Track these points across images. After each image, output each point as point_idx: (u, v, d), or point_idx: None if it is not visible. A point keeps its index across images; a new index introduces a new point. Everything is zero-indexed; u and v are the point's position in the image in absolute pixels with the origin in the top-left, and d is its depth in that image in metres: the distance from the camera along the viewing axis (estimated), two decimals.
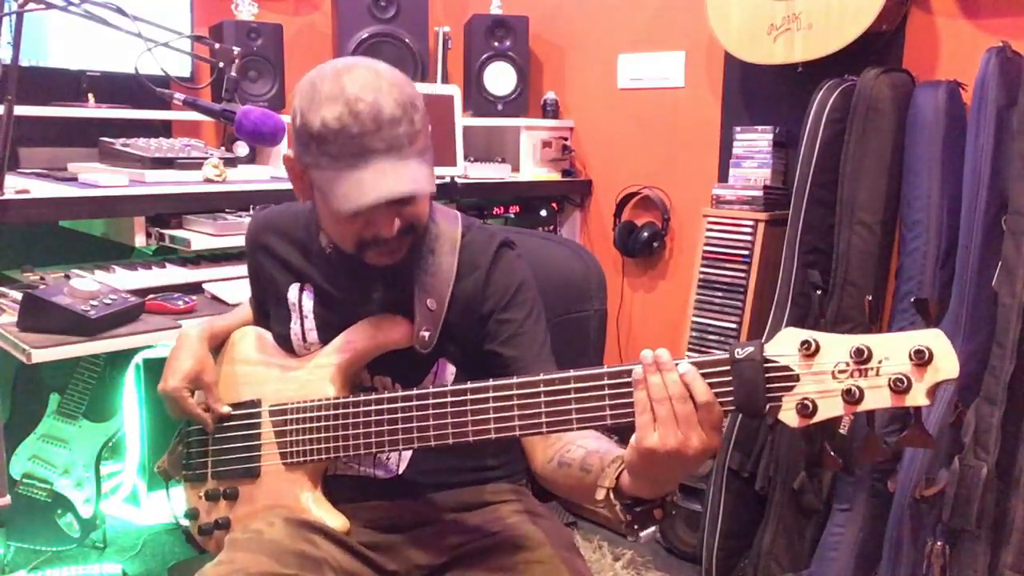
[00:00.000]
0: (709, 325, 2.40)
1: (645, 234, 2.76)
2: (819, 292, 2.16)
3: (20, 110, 1.65)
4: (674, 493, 0.95)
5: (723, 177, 2.55)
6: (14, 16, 1.60)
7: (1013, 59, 1.90)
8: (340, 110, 1.01)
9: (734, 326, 2.34)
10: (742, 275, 2.33)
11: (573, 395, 0.95)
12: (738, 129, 2.46)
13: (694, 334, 2.43)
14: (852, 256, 2.08)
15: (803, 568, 2.15)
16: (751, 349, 0.85)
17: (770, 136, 2.38)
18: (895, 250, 2.14)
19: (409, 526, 1.22)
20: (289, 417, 1.17)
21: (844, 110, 2.09)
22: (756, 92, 2.50)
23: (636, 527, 0.96)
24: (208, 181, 2.03)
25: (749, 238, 2.32)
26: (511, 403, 0.98)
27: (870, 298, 0.93)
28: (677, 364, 0.88)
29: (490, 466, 1.29)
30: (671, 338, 2.72)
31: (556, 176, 2.94)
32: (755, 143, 2.42)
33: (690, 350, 2.43)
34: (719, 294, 2.38)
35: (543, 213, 2.90)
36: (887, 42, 2.19)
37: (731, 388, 0.86)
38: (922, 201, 2.00)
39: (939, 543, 1.86)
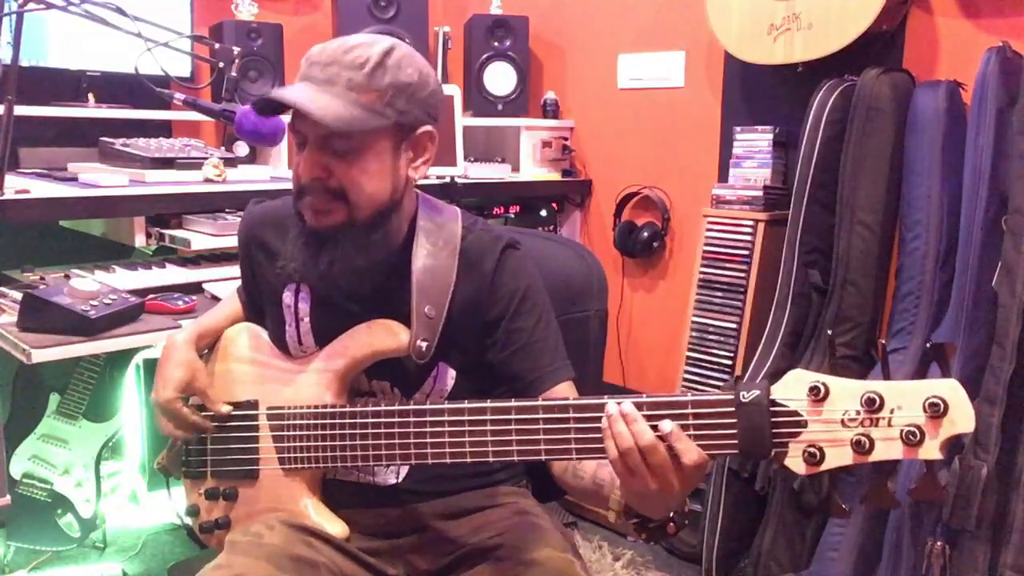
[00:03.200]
0: (709, 325, 2.39)
1: (645, 234, 2.76)
2: (819, 292, 2.16)
3: (20, 110, 1.66)
4: (683, 506, 0.95)
5: (723, 177, 2.55)
6: (14, 16, 1.60)
7: (1013, 59, 1.89)
8: (322, 45, 1.08)
9: (734, 326, 2.34)
10: (742, 275, 2.33)
11: (572, 424, 0.93)
12: (738, 129, 2.45)
13: (694, 334, 2.43)
14: (852, 256, 2.08)
15: (803, 568, 2.15)
16: (757, 393, 0.83)
17: (770, 136, 2.38)
18: (895, 250, 2.14)
19: (408, 532, 1.21)
20: (287, 423, 1.15)
21: (844, 110, 2.09)
22: (756, 92, 2.50)
23: (652, 543, 0.97)
24: (208, 181, 2.03)
25: (749, 238, 2.32)
26: (509, 427, 0.97)
27: (883, 341, 0.91)
28: (658, 424, 0.86)
29: (493, 470, 1.29)
30: (671, 338, 2.72)
31: (556, 176, 2.94)
32: (755, 143, 2.42)
33: (690, 350, 2.43)
34: (719, 294, 2.38)
35: (543, 213, 2.90)
36: (887, 42, 2.19)
37: (735, 431, 0.84)
38: (922, 201, 2.00)
39: (939, 543, 1.86)
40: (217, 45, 1.72)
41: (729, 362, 2.35)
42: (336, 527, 1.14)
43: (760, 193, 2.32)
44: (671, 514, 0.94)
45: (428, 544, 1.20)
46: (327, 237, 1.11)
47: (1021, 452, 1.82)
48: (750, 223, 2.32)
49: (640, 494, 0.89)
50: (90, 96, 2.29)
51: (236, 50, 1.71)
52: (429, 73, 1.13)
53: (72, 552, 2.22)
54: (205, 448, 1.23)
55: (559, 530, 1.22)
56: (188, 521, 1.28)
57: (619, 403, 0.89)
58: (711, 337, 2.39)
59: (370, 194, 1.10)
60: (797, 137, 2.20)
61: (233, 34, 2.42)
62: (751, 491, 2.19)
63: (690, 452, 0.85)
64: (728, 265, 2.36)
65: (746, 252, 2.32)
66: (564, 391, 1.14)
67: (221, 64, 1.69)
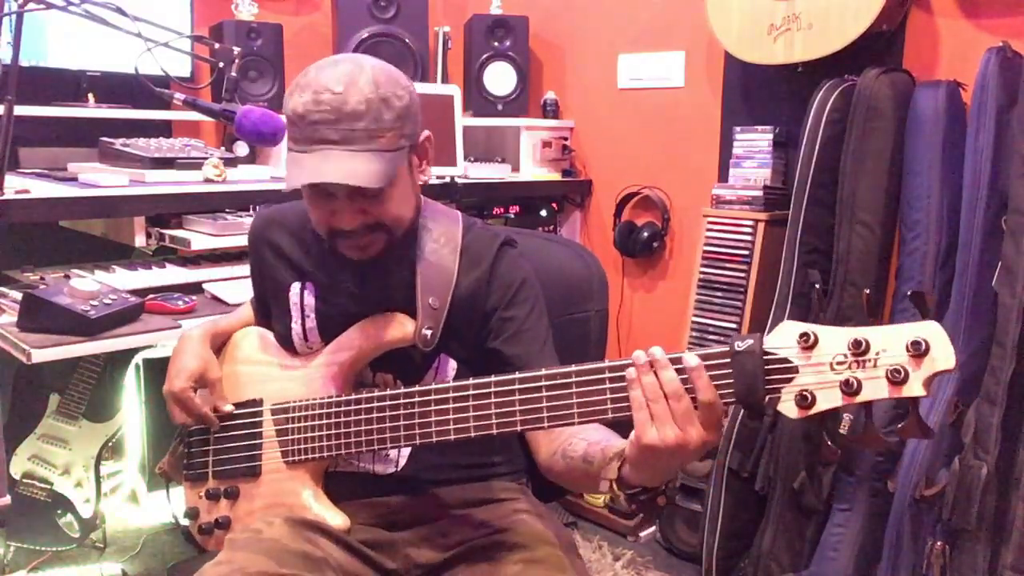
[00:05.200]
0: (709, 325, 2.39)
1: (645, 234, 2.76)
2: (819, 292, 2.16)
3: (20, 110, 1.65)
4: (676, 479, 0.97)
5: (723, 177, 2.55)
6: (14, 16, 1.59)
7: (1013, 59, 1.90)
8: (307, 98, 1.06)
9: (734, 326, 2.34)
10: (742, 275, 2.33)
11: (574, 389, 0.96)
12: (738, 129, 2.45)
13: (694, 334, 2.43)
14: (852, 256, 2.08)
15: (803, 568, 2.15)
16: (750, 342, 0.86)
17: (770, 136, 2.38)
18: (895, 250, 2.14)
19: (408, 523, 1.22)
20: (291, 415, 1.18)
21: (844, 110, 2.09)
22: (756, 92, 2.50)
23: (641, 515, 0.98)
24: (208, 181, 2.03)
25: (749, 238, 2.32)
26: (512, 398, 0.99)
27: (868, 292, 0.94)
28: (681, 356, 0.89)
29: (492, 463, 1.30)
30: (671, 338, 2.72)
31: (556, 176, 2.94)
32: (755, 143, 2.42)
33: (690, 350, 2.43)
34: (719, 294, 2.38)
35: (543, 213, 2.90)
36: (887, 42, 2.19)
37: (731, 381, 0.87)
38: (922, 201, 2.00)
39: (939, 543, 1.86)
40: (217, 45, 1.72)
41: None
42: (337, 519, 1.15)
43: (760, 193, 2.32)
44: (664, 485, 0.96)
45: (428, 538, 1.21)
46: (373, 263, 1.17)
47: (1021, 452, 1.82)
48: (750, 223, 2.32)
49: (653, 449, 0.88)
50: (90, 96, 2.29)
51: (236, 50, 1.71)
52: (408, 82, 1.14)
53: (72, 552, 2.22)
54: (208, 449, 1.24)
55: (558, 529, 1.22)
56: (185, 523, 1.28)
57: (648, 352, 0.91)
58: (711, 337, 2.39)
59: (404, 216, 1.17)
60: (797, 137, 2.20)
61: (233, 34, 2.41)
62: (751, 491, 2.19)
63: (706, 390, 0.87)
64: (728, 265, 2.36)
65: (746, 252, 2.32)
66: None
67: (221, 64, 1.69)
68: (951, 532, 1.85)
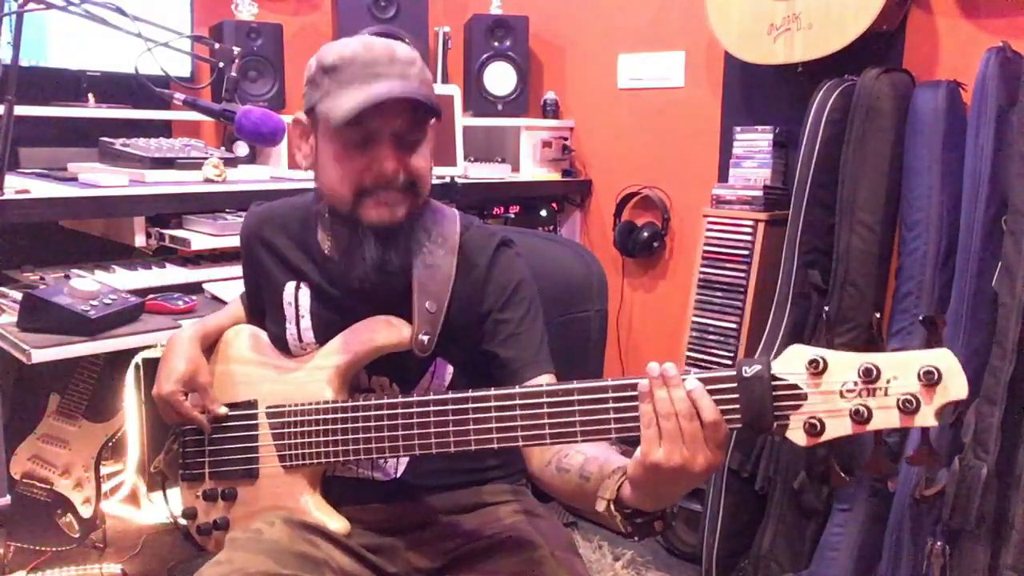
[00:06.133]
0: (709, 325, 2.39)
1: (645, 234, 2.76)
2: (819, 292, 2.16)
3: (20, 110, 1.65)
4: (675, 505, 0.95)
5: (723, 177, 2.55)
6: (14, 16, 1.59)
7: (1013, 59, 1.89)
8: (356, 46, 1.07)
9: (734, 326, 2.34)
10: (742, 275, 2.33)
11: (577, 407, 0.93)
12: (738, 129, 2.45)
13: (694, 334, 2.43)
14: (852, 256, 2.08)
15: (803, 568, 2.15)
16: (759, 367, 0.85)
17: (770, 136, 2.38)
18: (895, 250, 2.14)
19: (407, 528, 1.22)
20: (287, 419, 1.16)
21: (844, 110, 2.09)
22: (756, 92, 2.50)
23: (636, 538, 0.95)
24: (208, 181, 2.03)
25: (749, 238, 2.32)
26: (514, 413, 0.97)
27: (879, 315, 0.93)
28: (684, 379, 0.86)
29: (489, 467, 1.29)
30: (671, 338, 2.72)
31: (556, 176, 2.94)
32: (755, 143, 2.42)
33: (690, 350, 2.43)
34: (719, 294, 2.38)
35: (543, 213, 2.90)
36: (887, 42, 2.19)
37: (738, 406, 0.85)
38: (922, 201, 2.00)
39: (939, 543, 1.86)
40: (217, 45, 1.72)
41: (729, 362, 2.35)
42: (337, 523, 1.15)
43: (760, 193, 2.32)
44: (663, 510, 0.93)
45: (428, 542, 1.20)
46: (395, 231, 1.13)
47: (1021, 452, 1.82)
48: (750, 223, 2.32)
49: (657, 469, 0.86)
50: (90, 96, 2.29)
51: (236, 50, 1.71)
52: None
53: (72, 552, 2.22)
54: (203, 450, 1.24)
55: (558, 529, 1.22)
56: (183, 523, 1.28)
57: (662, 365, 0.88)
58: (711, 337, 2.39)
59: (427, 182, 1.16)
60: (797, 137, 2.20)
61: (233, 34, 2.42)
62: (751, 491, 2.19)
63: (710, 410, 0.85)
64: (728, 265, 2.36)
65: (746, 252, 2.32)
66: (546, 382, 1.13)
67: (221, 64, 1.69)
68: (951, 532, 1.85)
